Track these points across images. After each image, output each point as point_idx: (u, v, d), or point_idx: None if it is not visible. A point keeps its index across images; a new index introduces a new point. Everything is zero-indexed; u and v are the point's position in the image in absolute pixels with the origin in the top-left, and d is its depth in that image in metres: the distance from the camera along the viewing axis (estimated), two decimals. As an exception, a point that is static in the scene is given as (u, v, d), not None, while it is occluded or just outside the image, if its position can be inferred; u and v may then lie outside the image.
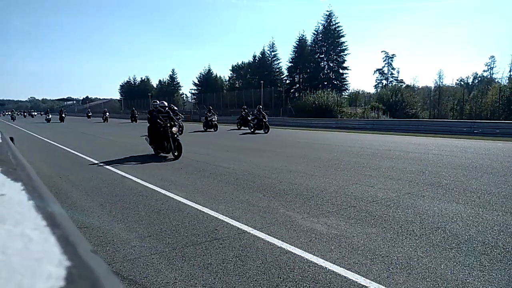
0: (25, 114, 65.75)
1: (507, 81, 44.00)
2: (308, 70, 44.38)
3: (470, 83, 59.75)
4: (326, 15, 43.34)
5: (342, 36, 43.25)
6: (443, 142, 12.55)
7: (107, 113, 36.33)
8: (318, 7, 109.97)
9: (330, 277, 2.61)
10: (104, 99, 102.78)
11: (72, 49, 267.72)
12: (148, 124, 9.28)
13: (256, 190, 5.31)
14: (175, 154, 8.53)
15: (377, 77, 62.95)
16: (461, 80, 60.84)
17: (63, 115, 34.01)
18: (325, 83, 42.57)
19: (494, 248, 3.12)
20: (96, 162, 8.18)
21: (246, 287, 2.49)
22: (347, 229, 3.63)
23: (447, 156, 8.92)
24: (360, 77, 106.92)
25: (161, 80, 68.11)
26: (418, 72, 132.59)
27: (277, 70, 48.45)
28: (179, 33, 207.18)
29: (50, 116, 34.98)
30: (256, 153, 9.70)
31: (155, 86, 69.71)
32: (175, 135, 8.63)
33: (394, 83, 54.88)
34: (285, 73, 47.68)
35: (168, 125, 8.62)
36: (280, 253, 3.03)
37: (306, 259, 2.91)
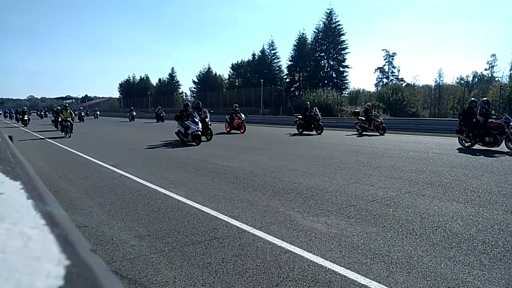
0: (86, 114, 40.30)
1: (507, 79, 44.00)
2: (308, 69, 44.32)
3: (470, 82, 59.71)
4: (327, 13, 43.29)
5: (343, 34, 43.17)
6: (443, 141, 12.54)
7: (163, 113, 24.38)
8: (318, 5, 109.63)
9: (330, 276, 2.61)
10: (103, 97, 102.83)
11: (70, 47, 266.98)
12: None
13: (256, 189, 5.31)
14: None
15: (377, 76, 62.91)
16: (461, 79, 60.86)
17: (161, 114, 19.67)
18: (326, 81, 42.49)
19: (494, 247, 3.12)
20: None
21: (245, 286, 2.49)
22: (347, 228, 3.63)
23: (447, 155, 8.92)
24: (361, 75, 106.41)
25: (161, 78, 67.98)
26: (419, 71, 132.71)
27: (277, 68, 48.38)
28: (178, 32, 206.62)
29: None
30: (256, 152, 9.71)
31: (154, 84, 69.59)
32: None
33: (394, 82, 54.87)
34: (285, 71, 47.64)
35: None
36: (280, 252, 3.03)
37: (306, 258, 2.91)
